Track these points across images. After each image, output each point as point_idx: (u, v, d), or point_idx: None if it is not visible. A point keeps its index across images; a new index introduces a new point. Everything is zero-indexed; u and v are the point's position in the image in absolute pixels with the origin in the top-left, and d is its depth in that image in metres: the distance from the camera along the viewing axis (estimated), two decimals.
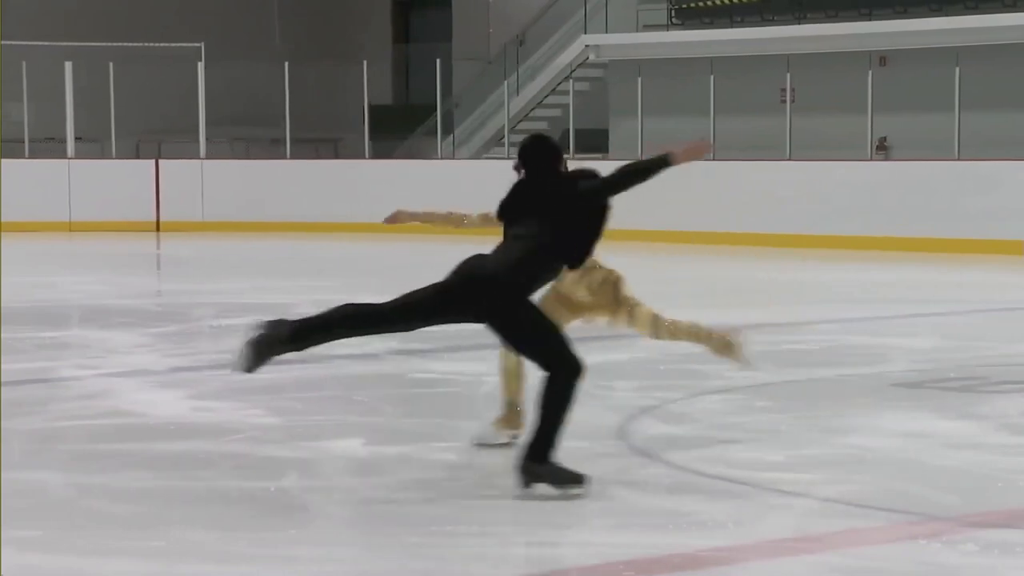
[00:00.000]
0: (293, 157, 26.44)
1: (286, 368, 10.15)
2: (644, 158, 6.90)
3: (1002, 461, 7.48)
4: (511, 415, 7.63)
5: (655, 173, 6.76)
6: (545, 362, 6.68)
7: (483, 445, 7.59)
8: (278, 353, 6.58)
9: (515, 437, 7.48)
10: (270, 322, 6.59)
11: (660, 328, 7.73)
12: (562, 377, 6.65)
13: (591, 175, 6.87)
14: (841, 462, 7.48)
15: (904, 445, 7.83)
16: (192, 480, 7.03)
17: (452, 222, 7.68)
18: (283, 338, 6.56)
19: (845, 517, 6.41)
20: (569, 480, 6.65)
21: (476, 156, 27.17)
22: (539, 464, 6.65)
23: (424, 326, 6.82)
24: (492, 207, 7.05)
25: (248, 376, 6.82)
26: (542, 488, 6.69)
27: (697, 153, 6.80)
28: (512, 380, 7.63)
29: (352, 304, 6.71)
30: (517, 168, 6.99)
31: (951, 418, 8.58)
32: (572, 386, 6.65)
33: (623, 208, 7.34)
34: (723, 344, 7.74)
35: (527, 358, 6.90)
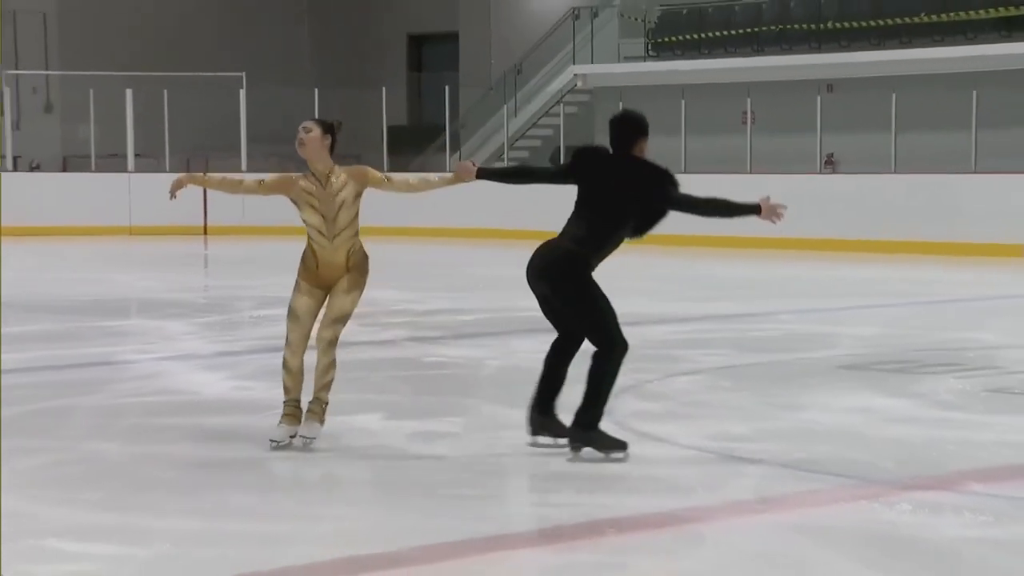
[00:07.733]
0: None
1: (312, 354, 10.10)
2: (737, 201, 6.97)
3: (933, 433, 7.46)
4: (296, 412, 6.94)
5: (739, 215, 6.93)
6: (598, 338, 6.61)
7: (277, 445, 6.85)
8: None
9: (295, 435, 6.86)
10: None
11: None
12: (610, 353, 6.60)
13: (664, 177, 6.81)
14: (795, 434, 7.46)
15: (849, 419, 7.80)
16: (234, 450, 6.99)
17: (226, 186, 7.72)
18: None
19: (799, 481, 6.39)
20: (612, 446, 6.66)
21: None
22: (587, 431, 6.64)
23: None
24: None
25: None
26: (535, 457, 6.65)
27: (774, 214, 6.90)
28: (298, 379, 6.97)
29: None
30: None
31: (889, 396, 8.54)
32: (618, 362, 6.63)
33: None
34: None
35: (579, 331, 6.71)
